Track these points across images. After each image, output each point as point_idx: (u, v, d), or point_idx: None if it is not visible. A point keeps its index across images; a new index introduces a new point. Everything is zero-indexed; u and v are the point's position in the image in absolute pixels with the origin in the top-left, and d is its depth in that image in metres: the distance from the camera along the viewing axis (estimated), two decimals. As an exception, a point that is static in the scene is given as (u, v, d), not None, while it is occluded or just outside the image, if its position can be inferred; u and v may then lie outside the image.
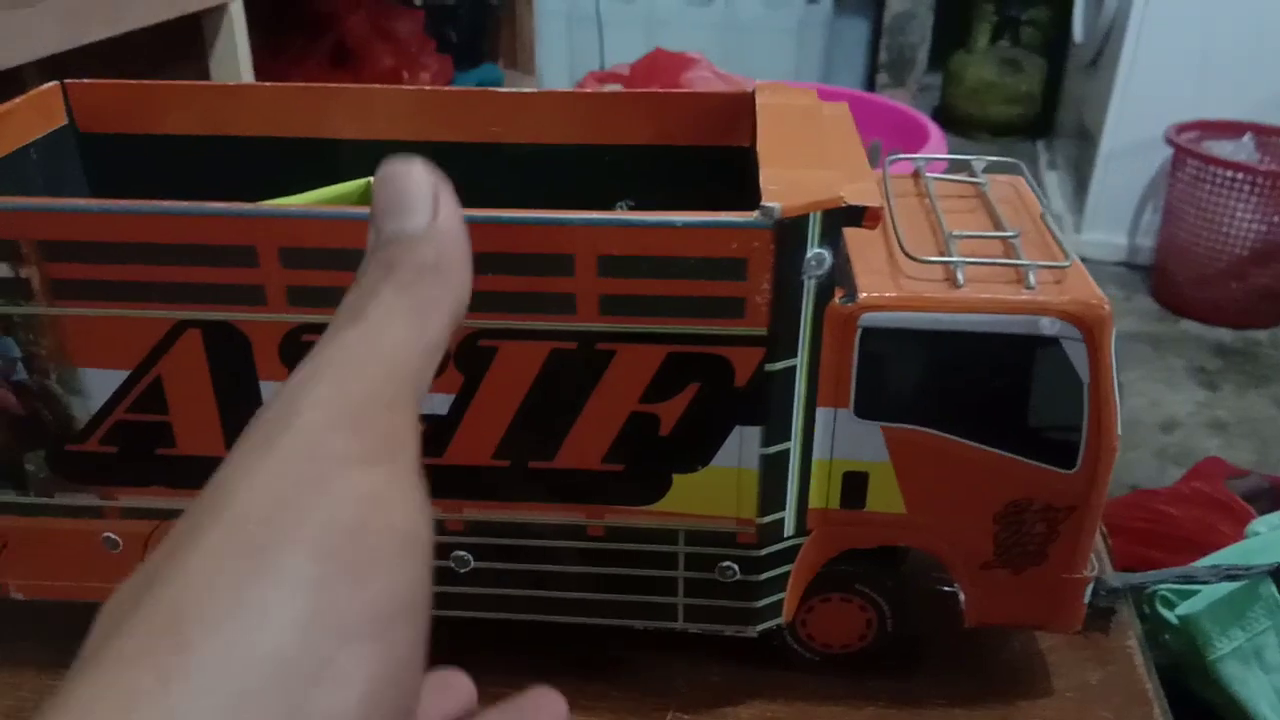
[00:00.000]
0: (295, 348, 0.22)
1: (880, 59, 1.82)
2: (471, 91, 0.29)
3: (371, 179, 0.29)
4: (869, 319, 0.22)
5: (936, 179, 0.28)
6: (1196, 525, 0.54)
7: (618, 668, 0.27)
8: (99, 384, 0.23)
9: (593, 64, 1.67)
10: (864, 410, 0.23)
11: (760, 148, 0.23)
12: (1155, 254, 1.43)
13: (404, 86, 0.29)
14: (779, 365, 0.22)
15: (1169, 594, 0.39)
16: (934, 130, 0.73)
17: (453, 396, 0.22)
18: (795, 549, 0.25)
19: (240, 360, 0.22)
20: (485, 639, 0.20)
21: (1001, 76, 1.89)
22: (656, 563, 0.24)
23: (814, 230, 0.21)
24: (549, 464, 0.23)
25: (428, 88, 0.29)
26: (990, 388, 0.23)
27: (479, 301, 0.16)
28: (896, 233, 0.24)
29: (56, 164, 0.29)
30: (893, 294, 0.22)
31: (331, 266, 0.21)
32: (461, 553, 0.25)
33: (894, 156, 0.30)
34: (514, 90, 0.29)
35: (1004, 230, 0.24)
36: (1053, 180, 1.70)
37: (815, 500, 0.24)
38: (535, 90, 0.29)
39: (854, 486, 0.24)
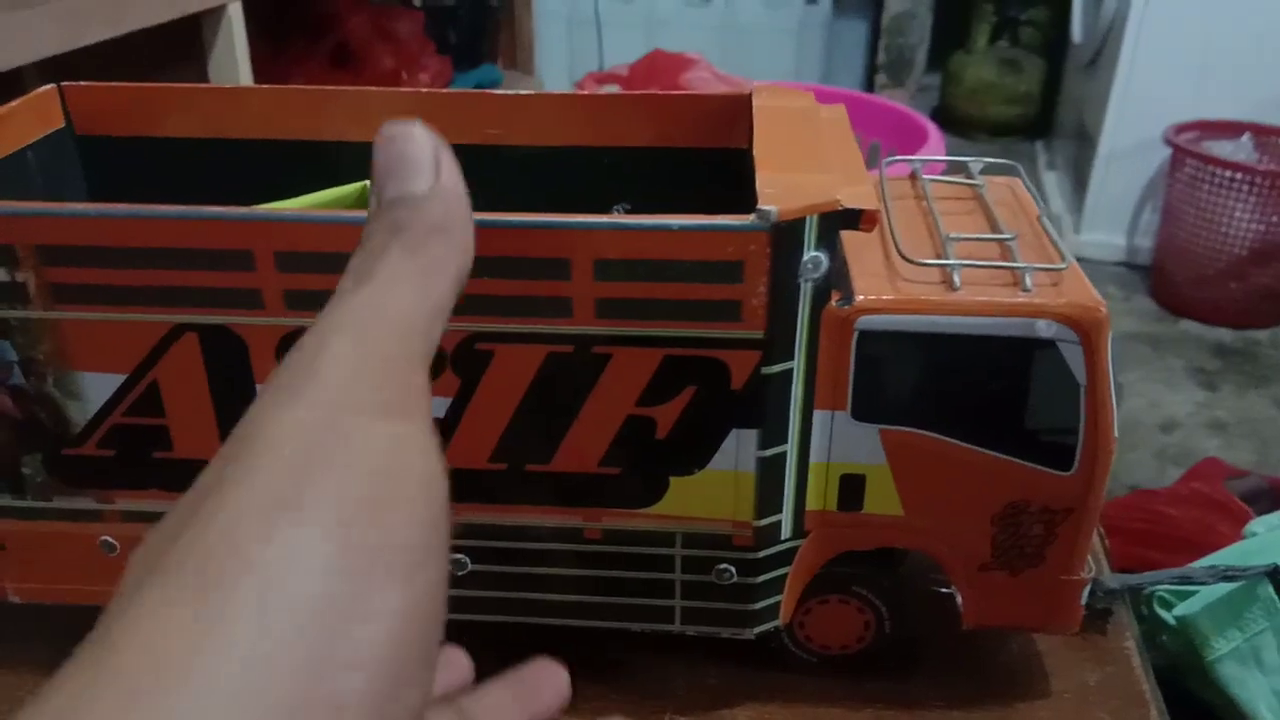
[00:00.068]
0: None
1: (879, 59, 1.82)
2: (469, 93, 0.29)
3: (367, 183, 0.29)
4: (866, 322, 0.22)
5: (933, 181, 0.28)
6: (1195, 526, 0.54)
7: (616, 670, 0.27)
8: (96, 388, 0.23)
9: (592, 65, 1.67)
10: (861, 413, 0.23)
11: (757, 150, 0.23)
12: (1154, 254, 1.43)
13: (402, 89, 0.29)
14: (776, 368, 0.22)
15: (1167, 595, 0.39)
16: (933, 131, 0.73)
17: (449, 400, 0.22)
18: (793, 551, 0.25)
19: (237, 364, 0.22)
20: (483, 642, 0.20)
21: (1000, 77, 1.89)
22: (654, 565, 0.24)
23: (810, 233, 0.21)
24: (546, 467, 0.23)
25: (425, 90, 0.29)
26: (987, 390, 0.23)
27: (475, 305, 0.16)
28: (893, 235, 0.24)
29: (54, 167, 0.29)
30: (889, 297, 0.22)
31: (328, 270, 0.21)
32: (459, 556, 0.25)
33: (891, 159, 0.30)
34: (512, 92, 0.29)
35: (1001, 232, 0.24)
36: (1052, 180, 1.70)
37: (812, 502, 0.24)
38: (533, 92, 0.29)
39: (851, 489, 0.24)
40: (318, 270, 0.21)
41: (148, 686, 0.10)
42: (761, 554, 0.24)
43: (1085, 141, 1.52)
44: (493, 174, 0.30)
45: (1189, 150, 1.29)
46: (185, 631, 0.10)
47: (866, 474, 0.23)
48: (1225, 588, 0.36)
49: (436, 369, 0.14)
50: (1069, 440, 0.22)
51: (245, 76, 0.75)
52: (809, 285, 0.21)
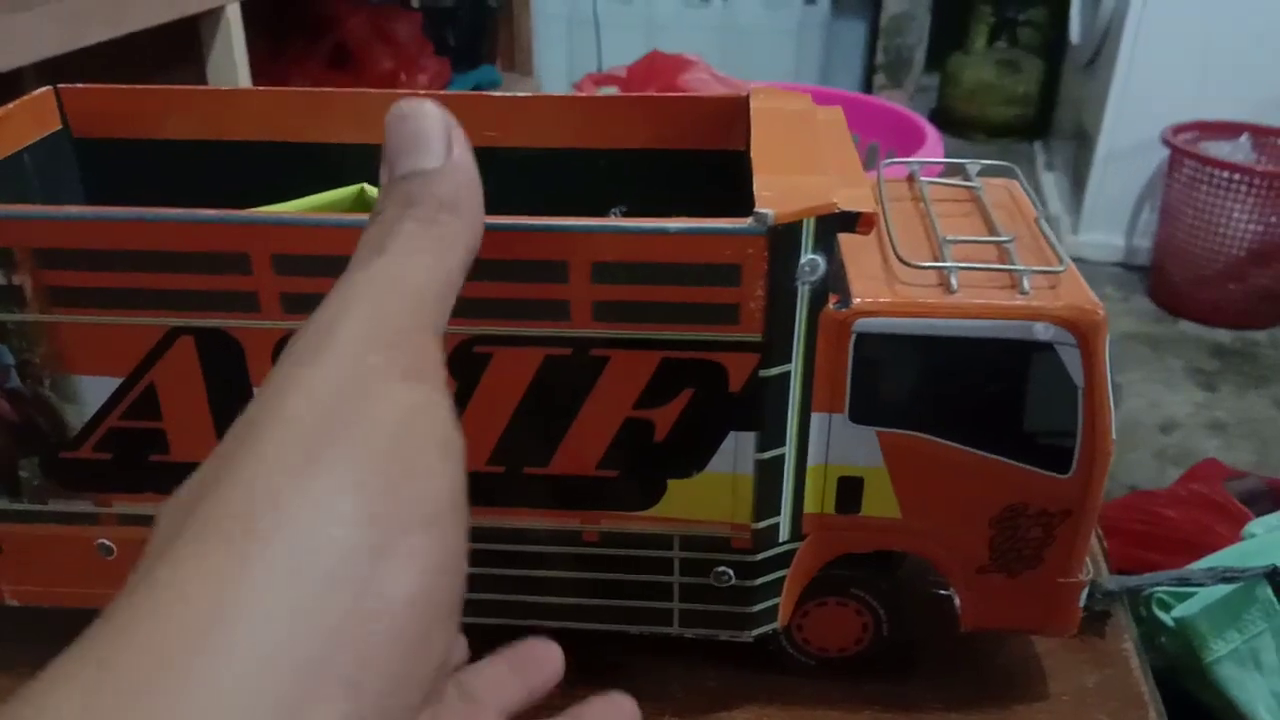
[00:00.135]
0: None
1: (877, 60, 1.82)
2: (467, 95, 0.29)
3: (364, 186, 0.29)
4: (863, 324, 0.22)
5: (931, 183, 0.28)
6: (1194, 527, 0.54)
7: (614, 673, 0.27)
8: (93, 391, 0.23)
9: (591, 66, 1.68)
10: (859, 415, 0.23)
11: (754, 153, 0.23)
12: (1153, 255, 1.43)
13: (401, 90, 0.29)
14: (773, 371, 0.22)
15: (1165, 596, 0.39)
16: (931, 132, 0.73)
17: (447, 402, 0.22)
18: (790, 554, 0.25)
19: (233, 367, 0.22)
20: (482, 645, 0.20)
21: (999, 77, 1.89)
22: (652, 568, 0.24)
23: (808, 236, 0.21)
24: (544, 470, 0.23)
25: (424, 91, 0.29)
26: (985, 393, 0.23)
27: (473, 308, 0.16)
28: (891, 238, 0.24)
29: (51, 169, 0.29)
30: (887, 299, 0.22)
31: (325, 273, 0.21)
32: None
33: (888, 161, 0.30)
34: (509, 94, 0.29)
35: (998, 235, 0.24)
36: (1050, 181, 1.70)
37: (810, 505, 0.24)
38: (530, 94, 0.29)
39: (849, 491, 0.24)
40: (314, 273, 0.21)
41: (187, 628, 0.10)
42: (760, 556, 0.24)
43: (1084, 142, 1.52)
44: (490, 176, 0.30)
45: (1187, 151, 1.30)
46: (229, 574, 0.11)
47: (864, 476, 0.23)
48: (1224, 589, 0.36)
49: None
50: (1067, 443, 0.22)
51: (244, 77, 0.75)
52: (806, 288, 0.21)
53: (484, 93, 0.29)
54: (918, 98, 1.89)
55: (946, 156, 0.72)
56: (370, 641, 0.11)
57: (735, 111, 0.28)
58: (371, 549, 0.12)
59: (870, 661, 0.27)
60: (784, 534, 0.24)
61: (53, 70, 0.54)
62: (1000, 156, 0.30)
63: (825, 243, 0.21)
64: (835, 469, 0.23)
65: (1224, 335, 1.32)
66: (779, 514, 0.24)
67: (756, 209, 0.20)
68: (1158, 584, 0.30)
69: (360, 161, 0.28)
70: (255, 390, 0.22)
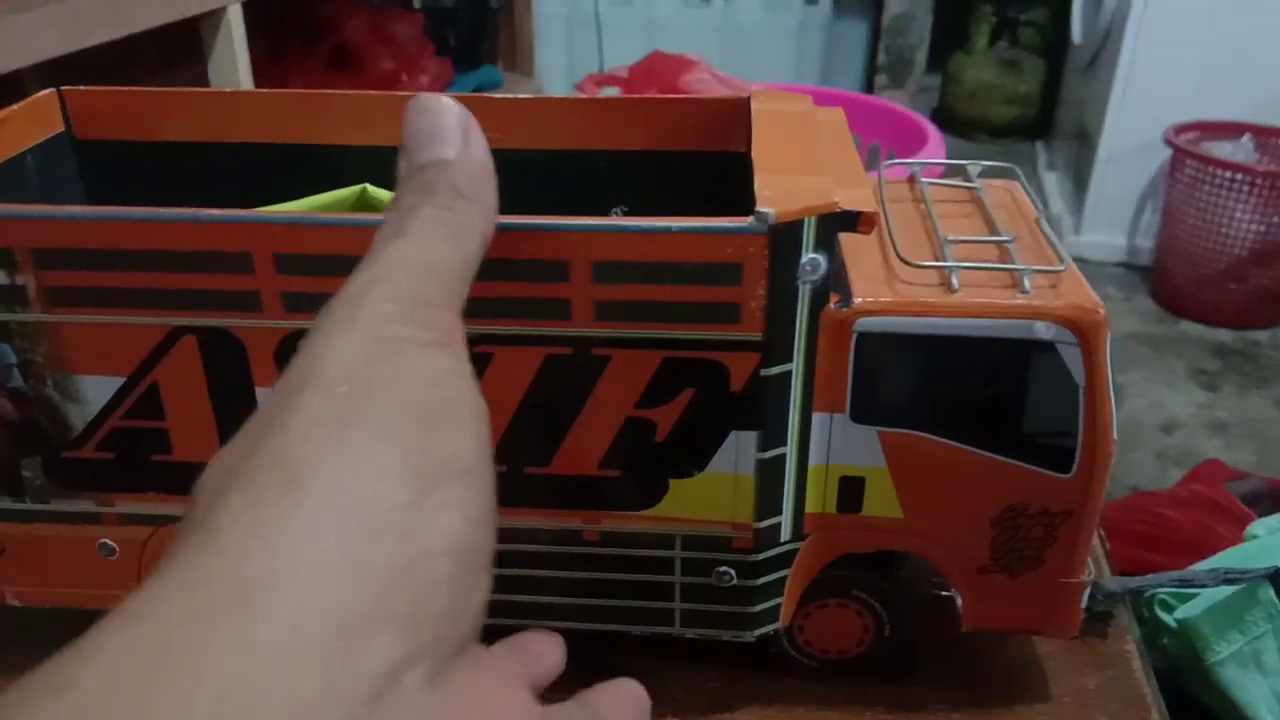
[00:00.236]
0: (291, 354, 0.22)
1: (879, 61, 1.82)
2: (467, 97, 0.29)
3: (366, 186, 0.29)
4: (864, 324, 0.22)
5: (932, 184, 0.28)
6: (1195, 528, 0.54)
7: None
8: (95, 390, 0.23)
9: (592, 66, 1.68)
10: (860, 415, 0.23)
11: (755, 153, 0.23)
12: (1155, 255, 1.43)
13: (401, 92, 0.29)
14: (774, 370, 0.22)
15: (1167, 597, 0.39)
16: (932, 132, 0.73)
17: (448, 402, 0.22)
18: (792, 554, 0.25)
19: (236, 366, 0.22)
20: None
21: (1000, 78, 1.89)
22: (653, 568, 0.24)
23: (809, 235, 0.21)
24: (545, 469, 0.23)
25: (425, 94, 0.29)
26: (986, 392, 0.23)
27: (474, 307, 0.16)
28: (891, 238, 0.24)
29: (53, 171, 0.29)
30: (888, 299, 0.22)
31: (327, 272, 0.21)
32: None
33: (889, 162, 0.30)
34: (509, 96, 0.29)
35: (999, 235, 0.24)
36: (1052, 181, 1.70)
37: (812, 505, 0.24)
38: (532, 96, 0.29)
39: (850, 491, 0.24)
40: (316, 272, 0.21)
41: (247, 570, 0.11)
42: (761, 556, 0.24)
43: (1085, 142, 1.52)
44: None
45: (1189, 151, 1.29)
46: (275, 525, 0.11)
47: (866, 476, 0.23)
48: (1226, 590, 0.36)
49: None
50: (1068, 442, 0.22)
51: (245, 78, 0.76)
52: (807, 287, 0.21)
53: (485, 94, 0.29)
54: (919, 98, 1.89)
55: (948, 157, 0.72)
56: (420, 585, 0.12)
57: (736, 113, 0.28)
58: (413, 499, 0.12)
59: (872, 663, 0.27)
60: (785, 534, 0.24)
61: (54, 71, 0.54)
62: (1002, 157, 0.31)
63: (826, 242, 0.21)
64: (836, 469, 0.23)
65: (1225, 335, 1.32)
66: (780, 514, 0.24)
67: (758, 208, 0.20)
68: (1160, 585, 0.30)
69: (361, 163, 0.28)
70: (254, 390, 0.22)
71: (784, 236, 0.20)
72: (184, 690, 0.10)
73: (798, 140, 0.24)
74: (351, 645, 0.11)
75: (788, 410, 0.23)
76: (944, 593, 0.25)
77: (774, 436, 0.23)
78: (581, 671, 0.19)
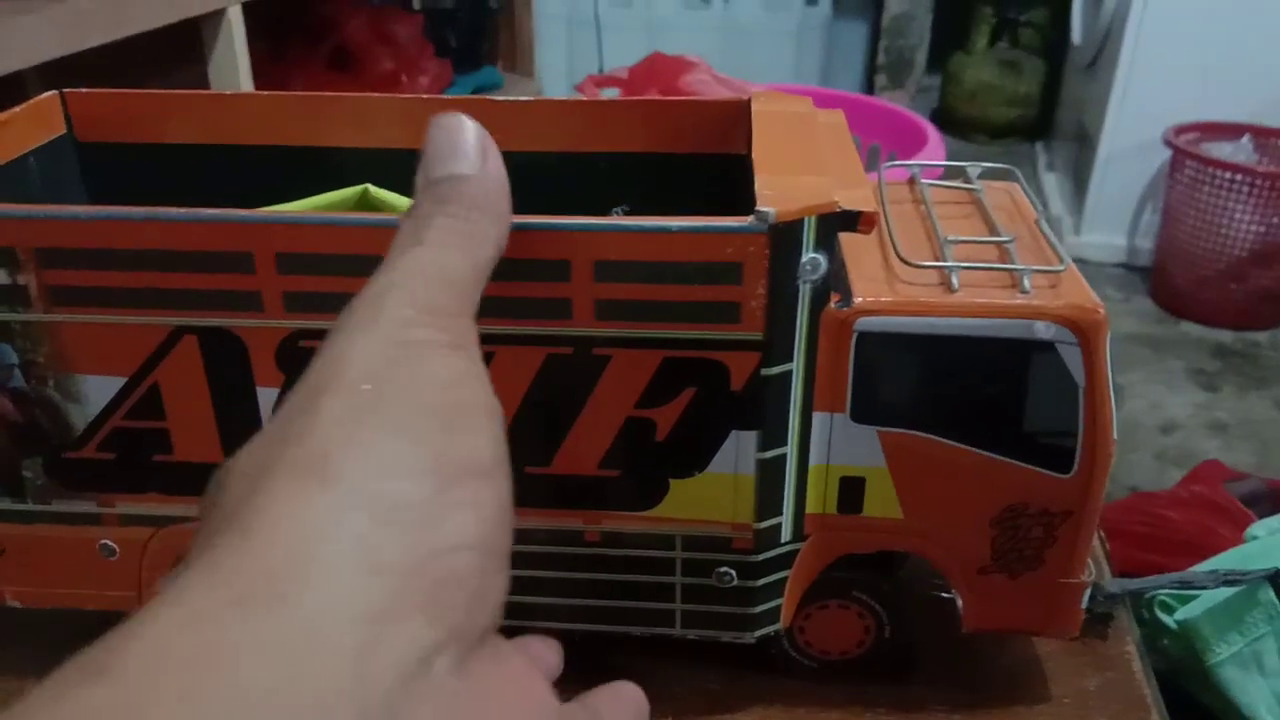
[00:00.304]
0: (292, 353, 0.22)
1: (879, 61, 1.83)
2: (468, 100, 0.29)
3: (368, 186, 0.29)
4: (864, 323, 0.22)
5: (931, 185, 0.28)
6: (1195, 529, 0.54)
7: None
8: (96, 390, 0.23)
9: (592, 67, 1.68)
10: (860, 415, 0.23)
11: (755, 154, 0.23)
12: (1154, 256, 1.43)
13: (402, 95, 0.29)
14: (775, 370, 0.22)
15: (1168, 599, 0.39)
16: (932, 133, 0.73)
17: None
18: (792, 554, 0.25)
19: (237, 366, 0.22)
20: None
21: (1000, 78, 1.89)
22: (654, 568, 0.24)
23: (809, 235, 0.21)
24: (545, 469, 0.23)
25: (426, 96, 0.29)
26: (986, 392, 0.23)
27: (475, 307, 0.16)
28: (892, 238, 0.24)
29: (55, 173, 0.29)
30: (888, 298, 0.22)
31: (328, 272, 0.21)
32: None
33: (889, 163, 0.30)
34: (510, 98, 0.29)
35: (999, 235, 0.24)
36: (1052, 182, 1.70)
37: (812, 505, 0.24)
38: (532, 98, 0.29)
39: (851, 491, 0.24)
40: (318, 272, 0.21)
41: (278, 561, 0.12)
42: (761, 557, 0.24)
43: (1085, 143, 1.52)
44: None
45: (1189, 152, 1.30)
46: (306, 518, 0.12)
47: (866, 476, 0.23)
48: (1226, 592, 0.36)
49: None
50: (1068, 442, 0.22)
51: (245, 79, 0.76)
52: (808, 287, 0.21)
53: (486, 96, 0.29)
54: (919, 99, 1.89)
55: (948, 157, 0.72)
56: (443, 577, 0.12)
57: (736, 115, 0.28)
58: (434, 496, 0.13)
59: (872, 664, 0.27)
60: (786, 534, 0.24)
61: (54, 72, 0.54)
62: (1002, 157, 0.31)
63: (826, 241, 0.21)
64: (837, 469, 0.24)
65: (1225, 336, 1.32)
66: (781, 514, 0.24)
67: (758, 207, 0.20)
68: (1160, 587, 0.30)
69: (361, 165, 0.28)
70: (255, 390, 0.22)
71: (784, 236, 0.20)
72: (222, 676, 0.10)
73: (798, 141, 0.24)
74: (382, 632, 0.11)
75: (788, 410, 0.23)
76: (945, 594, 0.25)
77: (774, 436, 0.23)
78: (581, 673, 0.19)
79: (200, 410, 0.23)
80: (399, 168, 0.22)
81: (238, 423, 0.23)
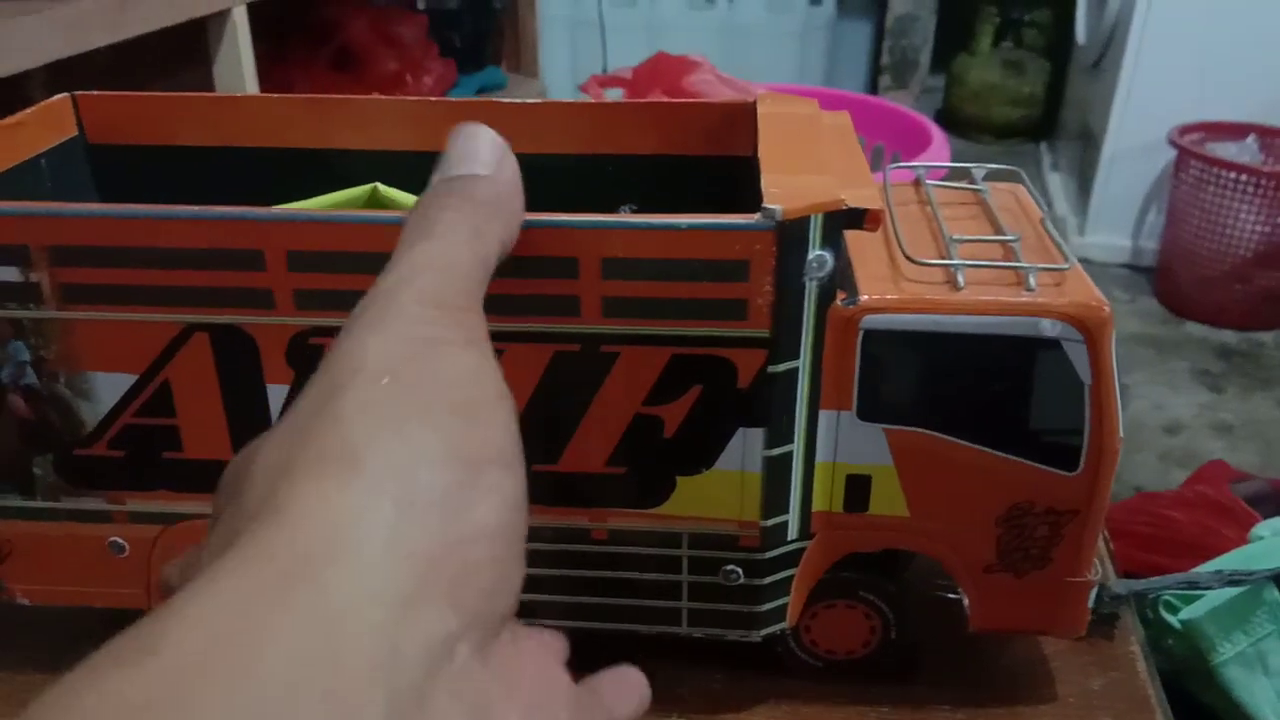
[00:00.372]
0: (302, 351, 0.22)
1: (883, 61, 1.82)
2: (474, 102, 0.29)
3: (377, 185, 0.29)
4: (871, 321, 0.22)
5: (937, 186, 0.28)
6: (1199, 529, 0.54)
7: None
8: (107, 388, 0.23)
9: (595, 67, 1.68)
10: (866, 413, 0.23)
11: (762, 155, 0.23)
12: (1159, 256, 1.42)
13: (408, 97, 0.29)
14: (781, 367, 0.22)
15: (1172, 599, 0.39)
16: (936, 133, 0.73)
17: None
18: (799, 552, 0.25)
19: (248, 363, 0.23)
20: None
21: (1004, 79, 1.89)
22: (660, 566, 0.25)
23: (815, 232, 0.21)
24: (552, 467, 0.23)
25: (432, 99, 0.29)
26: (991, 390, 0.23)
27: (483, 303, 0.16)
28: (897, 236, 0.24)
29: (66, 174, 0.29)
30: (894, 296, 0.22)
31: (339, 270, 0.21)
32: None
33: (894, 164, 0.30)
34: (516, 100, 0.29)
35: (1004, 235, 0.24)
36: (1056, 182, 1.70)
37: (819, 503, 0.24)
38: (539, 100, 0.29)
39: (857, 489, 0.24)
40: (328, 270, 0.21)
41: (310, 547, 0.12)
42: (768, 555, 0.24)
43: (1089, 143, 1.52)
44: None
45: (1193, 152, 1.29)
46: (337, 507, 0.12)
47: (872, 474, 0.24)
48: (1230, 592, 0.36)
49: None
50: (1074, 440, 0.23)
51: (250, 80, 0.76)
52: (814, 284, 0.21)
53: (493, 99, 0.29)
54: (923, 99, 1.89)
55: (952, 158, 0.72)
56: (467, 563, 0.13)
57: (743, 117, 0.28)
58: (458, 483, 0.13)
59: (877, 664, 0.27)
60: (792, 532, 0.24)
61: (59, 73, 0.54)
62: (1006, 158, 0.31)
63: (833, 239, 0.21)
64: (843, 467, 0.24)
65: (1230, 337, 1.32)
66: (787, 512, 0.24)
67: (765, 205, 0.20)
68: (1165, 587, 0.30)
69: (368, 167, 0.28)
70: (266, 388, 0.23)
71: (791, 233, 0.21)
72: (262, 657, 0.11)
73: (804, 142, 0.25)
74: (411, 617, 0.12)
75: (794, 408, 0.23)
76: (951, 594, 0.25)
77: (781, 434, 0.23)
78: (586, 671, 0.19)
79: (210, 407, 0.23)
80: (406, 169, 0.22)
81: (248, 420, 0.23)
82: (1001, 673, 0.28)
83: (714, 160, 0.29)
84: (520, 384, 0.22)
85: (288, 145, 0.29)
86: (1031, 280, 0.22)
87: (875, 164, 0.76)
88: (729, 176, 0.29)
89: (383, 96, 0.29)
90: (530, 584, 0.25)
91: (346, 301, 0.15)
